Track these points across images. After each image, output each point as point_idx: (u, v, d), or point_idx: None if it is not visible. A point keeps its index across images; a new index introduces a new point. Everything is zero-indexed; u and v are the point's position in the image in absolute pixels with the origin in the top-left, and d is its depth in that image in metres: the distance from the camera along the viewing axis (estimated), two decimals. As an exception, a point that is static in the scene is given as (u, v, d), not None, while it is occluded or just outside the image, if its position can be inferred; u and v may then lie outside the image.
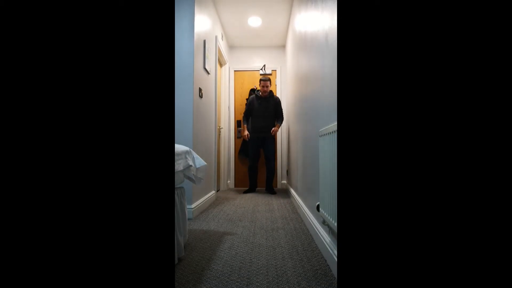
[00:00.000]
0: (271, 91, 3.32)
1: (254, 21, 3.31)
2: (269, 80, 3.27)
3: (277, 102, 3.32)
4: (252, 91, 3.94)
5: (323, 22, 1.40)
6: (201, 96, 2.42)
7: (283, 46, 4.08)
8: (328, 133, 1.18)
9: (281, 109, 3.33)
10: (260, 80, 3.29)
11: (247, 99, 3.44)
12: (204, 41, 2.50)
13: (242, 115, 3.41)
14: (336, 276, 1.08)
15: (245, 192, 3.46)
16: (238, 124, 4.02)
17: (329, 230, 1.26)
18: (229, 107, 3.94)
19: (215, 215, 2.21)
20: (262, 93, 3.27)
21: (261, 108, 3.29)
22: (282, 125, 4.01)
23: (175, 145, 1.32)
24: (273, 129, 3.24)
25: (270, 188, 3.42)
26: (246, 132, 3.34)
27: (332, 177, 1.09)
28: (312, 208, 1.74)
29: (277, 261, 1.24)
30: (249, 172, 3.44)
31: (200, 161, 1.44)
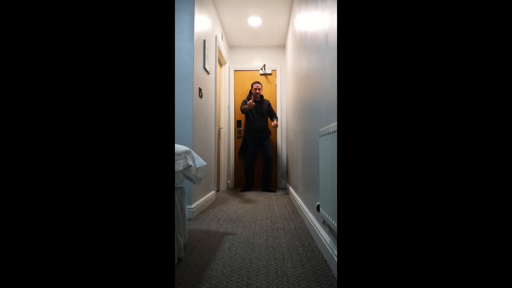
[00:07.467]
0: (261, 95, 3.53)
1: (254, 21, 3.31)
2: (261, 84, 3.51)
3: (269, 103, 3.54)
4: (252, 91, 3.99)
5: (323, 22, 1.40)
6: (201, 96, 2.42)
7: (283, 46, 4.08)
8: (328, 133, 1.18)
9: (273, 110, 3.56)
10: (253, 84, 3.48)
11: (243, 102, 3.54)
12: (204, 41, 2.50)
13: (241, 107, 3.52)
14: (336, 276, 1.08)
15: (242, 190, 3.57)
16: (238, 124, 4.01)
17: (329, 230, 1.26)
18: (229, 107, 3.94)
19: (215, 215, 2.21)
20: (255, 96, 3.43)
21: (257, 110, 3.47)
22: (281, 125, 4.02)
23: (175, 145, 1.31)
24: (274, 122, 3.34)
25: (268, 187, 3.55)
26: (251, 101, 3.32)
27: (332, 177, 1.09)
28: (312, 208, 1.74)
29: (277, 262, 1.24)
30: (246, 174, 3.54)
31: (200, 161, 1.43)
